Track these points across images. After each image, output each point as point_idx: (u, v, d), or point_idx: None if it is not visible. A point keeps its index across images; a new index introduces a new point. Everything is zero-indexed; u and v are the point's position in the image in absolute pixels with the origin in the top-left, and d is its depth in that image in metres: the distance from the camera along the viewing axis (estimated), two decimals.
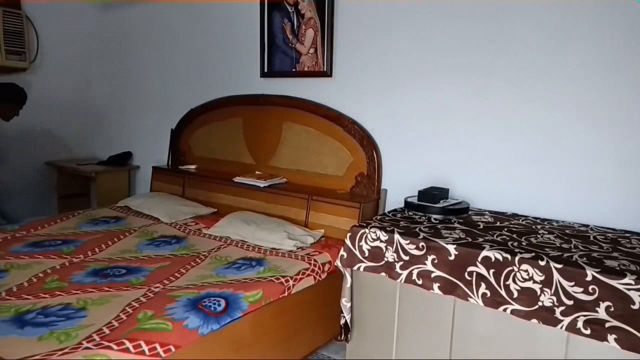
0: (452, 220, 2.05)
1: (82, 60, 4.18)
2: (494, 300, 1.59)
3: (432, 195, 2.19)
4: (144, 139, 4.01)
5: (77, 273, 2.03)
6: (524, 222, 2.05)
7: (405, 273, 1.79)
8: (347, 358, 2.05)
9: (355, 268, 1.93)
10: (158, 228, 2.75)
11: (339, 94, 2.80)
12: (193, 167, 3.54)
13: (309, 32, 2.85)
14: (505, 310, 1.56)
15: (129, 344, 1.47)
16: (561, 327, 1.45)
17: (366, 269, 1.89)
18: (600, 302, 1.40)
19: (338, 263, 1.98)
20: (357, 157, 2.71)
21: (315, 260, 2.26)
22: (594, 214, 2.05)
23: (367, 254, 1.89)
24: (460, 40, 2.33)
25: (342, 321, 1.98)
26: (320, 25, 2.79)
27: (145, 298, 1.79)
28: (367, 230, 1.89)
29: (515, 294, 1.54)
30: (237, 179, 3.05)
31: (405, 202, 2.27)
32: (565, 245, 1.70)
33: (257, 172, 3.16)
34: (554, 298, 1.47)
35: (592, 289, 1.41)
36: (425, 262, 1.74)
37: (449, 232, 1.84)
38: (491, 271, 1.60)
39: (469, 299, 1.64)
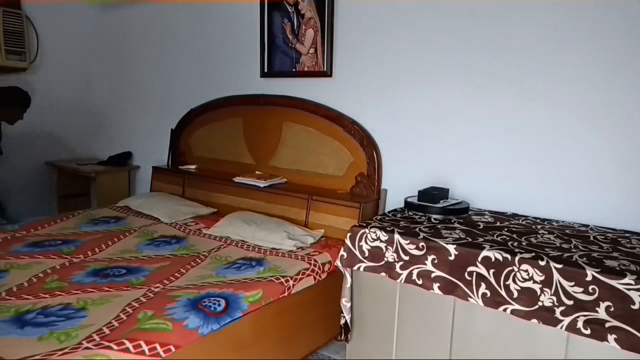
0: (452, 220, 2.05)
1: (82, 60, 4.18)
2: (494, 300, 1.59)
3: (432, 195, 2.19)
4: (144, 139, 4.01)
5: (77, 273, 2.03)
6: (524, 222, 2.05)
7: (405, 273, 1.79)
8: (347, 358, 2.05)
9: (355, 268, 1.93)
10: (158, 228, 2.75)
11: (339, 94, 2.80)
12: (193, 167, 3.54)
13: (309, 32, 2.85)
14: (505, 310, 1.56)
15: (129, 344, 1.47)
16: (561, 327, 1.45)
17: (366, 269, 1.89)
18: (600, 302, 1.40)
19: (338, 263, 1.98)
20: (357, 157, 2.71)
21: (315, 260, 2.26)
22: (594, 214, 2.05)
23: (367, 254, 1.89)
24: (460, 40, 2.33)
25: (342, 321, 1.98)
26: (320, 25, 2.79)
27: (145, 298, 1.79)
28: (367, 230, 1.89)
29: (515, 294, 1.54)
30: (237, 179, 3.05)
31: (405, 202, 2.27)
32: (565, 245, 1.70)
33: (257, 172, 3.16)
34: (554, 298, 1.47)
35: (592, 289, 1.41)
36: (425, 262, 1.74)
37: (449, 232, 1.84)
38: (491, 271, 1.60)
39: (469, 299, 1.64)
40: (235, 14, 3.22)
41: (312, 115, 2.89)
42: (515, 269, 1.55)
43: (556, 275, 1.47)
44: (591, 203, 2.06)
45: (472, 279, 1.63)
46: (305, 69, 2.90)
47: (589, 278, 1.42)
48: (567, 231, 1.91)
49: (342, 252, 1.96)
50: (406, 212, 2.20)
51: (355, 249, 1.92)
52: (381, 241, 1.85)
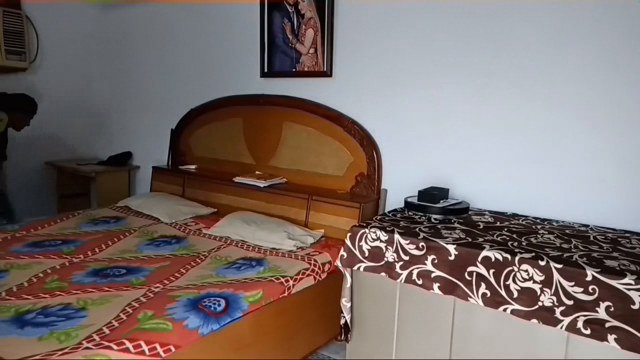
0: (452, 220, 2.05)
1: (82, 60, 4.18)
2: (494, 300, 1.59)
3: (432, 195, 2.19)
4: (144, 139, 4.01)
5: (77, 273, 2.03)
6: (524, 222, 2.05)
7: (405, 273, 1.79)
8: (347, 358, 2.05)
9: (355, 268, 1.93)
10: (158, 228, 2.75)
11: (339, 94, 2.80)
12: (193, 167, 3.54)
13: (309, 32, 2.86)
14: (505, 310, 1.56)
15: (129, 344, 1.47)
16: (561, 327, 1.45)
17: (366, 269, 1.89)
18: (600, 302, 1.40)
19: (338, 263, 1.98)
20: (357, 157, 2.71)
21: (315, 260, 2.26)
22: (594, 214, 2.05)
23: (367, 254, 1.89)
24: (460, 40, 2.33)
25: (342, 321, 1.98)
26: (320, 25, 2.79)
27: (145, 298, 1.79)
28: (367, 230, 1.89)
29: (515, 294, 1.54)
30: (237, 179, 3.05)
31: (405, 202, 2.27)
32: (565, 245, 1.70)
33: (257, 172, 3.16)
34: (554, 298, 1.47)
35: (592, 289, 1.41)
36: (425, 262, 1.74)
37: (449, 232, 1.84)
38: (491, 271, 1.60)
39: (469, 299, 1.64)
40: (235, 14, 3.22)
41: (312, 115, 2.89)
42: (515, 269, 1.55)
43: (556, 275, 1.47)
44: (591, 203, 2.06)
45: (472, 279, 1.63)
46: (305, 69, 2.90)
47: (589, 278, 1.42)
48: (567, 231, 1.91)
49: (342, 252, 1.96)
50: (406, 212, 2.20)
51: (355, 249, 1.92)
52: (381, 241, 1.85)
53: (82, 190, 4.17)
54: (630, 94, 1.93)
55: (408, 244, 1.78)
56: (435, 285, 1.71)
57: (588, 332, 1.41)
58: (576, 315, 1.43)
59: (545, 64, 2.11)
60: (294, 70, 2.96)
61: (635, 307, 1.35)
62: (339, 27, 2.75)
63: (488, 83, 2.27)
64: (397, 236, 1.81)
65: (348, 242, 1.94)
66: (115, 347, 1.45)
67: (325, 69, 2.81)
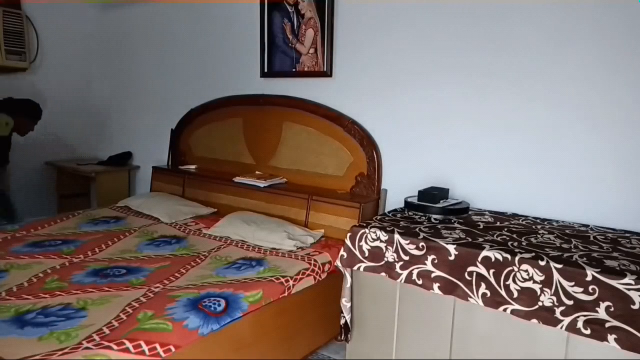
0: (452, 220, 2.05)
1: (82, 60, 4.18)
2: (494, 300, 1.59)
3: (432, 195, 2.19)
4: (144, 139, 4.01)
5: (77, 273, 2.03)
6: (524, 222, 2.05)
7: (405, 273, 1.79)
8: (347, 358, 2.05)
9: (355, 268, 1.93)
10: (158, 228, 2.75)
11: (339, 94, 2.80)
12: (193, 167, 3.54)
13: (309, 32, 2.86)
14: (505, 310, 1.56)
15: (129, 344, 1.47)
16: (561, 327, 1.45)
17: (366, 269, 1.89)
18: (600, 302, 1.40)
19: (338, 263, 1.98)
20: (357, 157, 2.71)
21: (315, 260, 2.26)
22: (594, 214, 2.05)
23: (367, 254, 1.89)
24: (460, 40, 2.33)
25: (342, 321, 1.98)
26: (320, 25, 2.79)
27: (145, 298, 1.79)
28: (367, 230, 1.89)
29: (515, 294, 1.54)
30: (237, 179, 3.05)
31: (405, 202, 2.27)
32: (565, 245, 1.70)
33: (257, 172, 3.16)
34: (554, 298, 1.47)
35: (592, 289, 1.41)
36: (425, 262, 1.74)
37: (449, 232, 1.84)
38: (491, 271, 1.60)
39: (469, 299, 1.64)
40: (235, 14, 3.22)
41: (312, 115, 2.89)
42: (515, 269, 1.55)
43: (556, 275, 1.47)
44: (591, 203, 2.06)
45: (472, 279, 1.63)
46: (305, 69, 2.90)
47: (589, 278, 1.42)
48: (567, 231, 1.91)
49: (342, 252, 1.96)
50: (406, 212, 2.20)
51: (355, 249, 1.92)
52: (381, 241, 1.85)
53: (82, 190, 4.17)
54: (630, 94, 1.93)
55: (408, 244, 1.78)
56: (435, 285, 1.71)
57: (588, 332, 1.41)
58: (576, 315, 1.43)
59: (545, 64, 2.11)
60: (294, 70, 2.96)
61: (635, 307, 1.35)
62: (339, 27, 2.75)
63: (488, 83, 2.27)
64: (397, 236, 1.81)
65: (348, 242, 1.94)
66: (115, 347, 1.45)
67: (325, 69, 2.81)
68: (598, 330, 1.40)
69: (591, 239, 1.81)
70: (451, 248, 1.68)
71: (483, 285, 1.61)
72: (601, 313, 1.39)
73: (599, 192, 2.04)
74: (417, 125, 2.52)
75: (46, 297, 1.78)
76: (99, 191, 3.75)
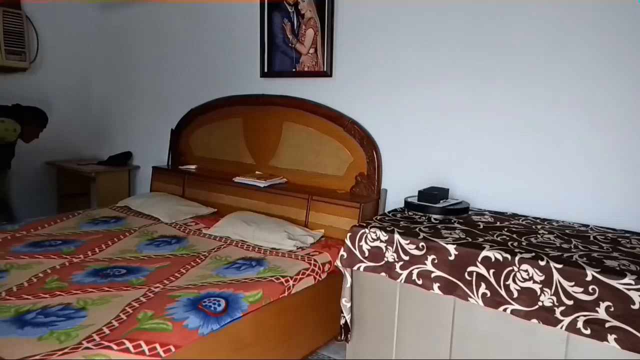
0: (452, 220, 2.05)
1: (82, 60, 4.18)
2: (494, 300, 1.59)
3: (432, 195, 2.19)
4: (144, 139, 4.01)
5: (77, 273, 2.03)
6: (524, 222, 2.05)
7: (405, 273, 1.79)
8: (347, 358, 2.05)
9: (355, 268, 1.93)
10: (158, 228, 2.75)
11: (339, 94, 2.80)
12: (193, 167, 3.54)
13: (309, 32, 2.86)
14: (505, 310, 1.56)
15: (129, 344, 1.47)
16: (561, 327, 1.45)
17: (366, 269, 1.89)
18: (600, 302, 1.40)
19: (338, 263, 1.98)
20: (357, 157, 2.71)
21: (315, 260, 2.26)
22: (594, 214, 2.05)
23: (367, 254, 1.89)
24: (460, 40, 2.33)
25: (342, 321, 1.98)
26: (320, 25, 2.79)
27: (145, 298, 1.79)
28: (367, 230, 1.89)
29: (515, 294, 1.54)
30: (237, 179, 3.05)
31: (405, 202, 2.27)
32: (565, 245, 1.70)
33: (257, 172, 3.16)
34: (554, 298, 1.47)
35: (592, 289, 1.41)
36: (425, 262, 1.74)
37: (449, 232, 1.84)
38: (491, 271, 1.60)
39: (469, 299, 1.64)
40: (235, 14, 3.22)
41: (312, 115, 2.89)
42: (515, 269, 1.55)
43: (556, 275, 1.47)
44: (591, 203, 2.06)
45: (472, 279, 1.63)
46: (305, 69, 2.90)
47: (589, 278, 1.42)
48: (567, 231, 1.91)
49: (342, 252, 1.96)
50: (406, 212, 2.20)
51: (355, 249, 1.92)
52: (381, 241, 1.85)
53: (82, 190, 4.16)
54: (631, 94, 1.93)
55: (408, 244, 1.78)
56: (435, 285, 1.71)
57: (588, 332, 1.41)
58: (576, 315, 1.43)
59: (545, 64, 2.11)
60: (294, 70, 2.96)
61: (635, 307, 1.35)
62: (339, 27, 2.75)
63: (488, 83, 2.27)
64: (397, 236, 1.81)
65: (348, 242, 1.94)
66: (115, 347, 1.45)
67: (325, 69, 2.81)
68: (598, 330, 1.40)
69: (591, 239, 1.81)
70: (451, 248, 1.68)
71: (483, 285, 1.61)
72: (601, 313, 1.39)
73: (599, 192, 2.04)
74: (417, 125, 2.52)
75: (46, 297, 1.78)
76: (99, 191, 3.75)
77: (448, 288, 1.69)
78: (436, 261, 1.71)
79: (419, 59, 2.47)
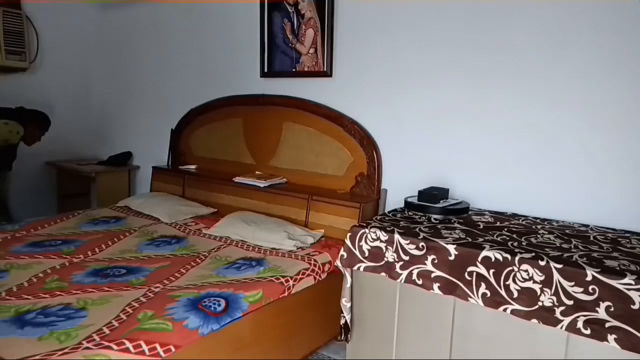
0: (452, 220, 2.05)
1: (82, 60, 4.18)
2: (494, 300, 1.59)
3: (432, 195, 2.19)
4: (144, 139, 4.01)
5: (77, 273, 2.03)
6: (524, 222, 2.05)
7: (405, 273, 1.79)
8: (347, 358, 2.05)
9: (355, 268, 1.93)
10: (158, 228, 2.75)
11: (339, 94, 2.80)
12: (193, 167, 3.54)
13: (309, 32, 2.86)
14: (505, 310, 1.56)
15: (129, 344, 1.47)
16: (561, 327, 1.45)
17: (366, 269, 1.89)
18: (600, 302, 1.40)
19: (338, 263, 1.98)
20: (357, 157, 2.71)
21: (315, 260, 2.26)
22: (594, 214, 2.05)
23: (367, 254, 1.89)
24: (460, 40, 2.33)
25: (342, 321, 1.98)
26: (320, 25, 2.79)
27: (145, 298, 1.79)
28: (367, 230, 1.89)
29: (515, 294, 1.54)
30: (237, 179, 3.05)
31: (405, 202, 2.27)
32: (565, 245, 1.70)
33: (257, 172, 3.16)
34: (554, 298, 1.47)
35: (592, 289, 1.41)
36: (425, 262, 1.74)
37: (449, 232, 1.84)
38: (491, 271, 1.60)
39: (469, 299, 1.64)
40: (235, 14, 3.22)
41: (312, 115, 2.89)
42: (515, 269, 1.55)
43: (556, 275, 1.47)
44: (591, 203, 2.06)
45: (472, 279, 1.63)
46: (305, 69, 2.90)
47: (589, 278, 1.42)
48: (567, 231, 1.91)
49: (342, 252, 1.96)
50: (406, 212, 2.20)
51: (355, 249, 1.92)
52: (381, 241, 1.85)
53: (82, 190, 4.16)
54: (631, 94, 1.93)
55: (408, 244, 1.78)
56: (435, 285, 1.71)
57: (588, 332, 1.41)
58: (576, 315, 1.43)
59: (545, 64, 2.11)
60: (294, 70, 2.96)
61: (635, 307, 1.35)
62: (339, 27, 2.75)
63: (488, 83, 2.27)
64: (397, 236, 1.81)
65: (348, 242, 1.94)
66: (115, 347, 1.45)
67: (325, 69, 2.81)
68: (598, 330, 1.40)
69: (591, 239, 1.81)
70: (451, 248, 1.68)
71: (483, 285, 1.61)
72: (601, 313, 1.39)
73: (599, 192, 2.04)
74: (417, 125, 2.52)
75: (46, 297, 1.78)
76: (99, 191, 3.75)
77: (448, 288, 1.69)
78: (436, 261, 1.71)
79: (419, 59, 2.47)
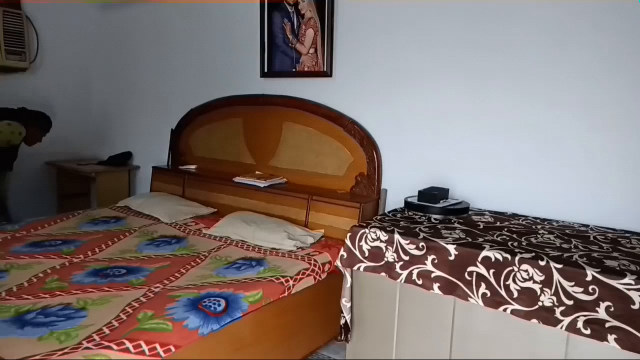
0: (452, 220, 2.05)
1: (82, 60, 4.18)
2: (494, 300, 1.59)
3: (432, 195, 2.19)
4: (144, 139, 4.01)
5: (77, 273, 2.03)
6: (524, 222, 2.05)
7: (405, 273, 1.79)
8: (347, 358, 2.05)
9: (355, 268, 1.93)
10: (158, 228, 2.75)
11: (339, 94, 2.80)
12: (193, 167, 3.54)
13: (309, 32, 2.86)
14: (505, 310, 1.56)
15: (129, 344, 1.47)
16: (561, 327, 1.45)
17: (366, 269, 1.89)
18: (600, 302, 1.40)
19: (338, 263, 1.98)
20: (357, 157, 2.71)
21: (315, 260, 2.26)
22: (594, 214, 2.05)
23: (367, 254, 1.89)
24: (460, 40, 2.33)
25: (342, 321, 1.98)
26: (320, 25, 2.79)
27: (145, 298, 1.79)
28: (367, 230, 1.89)
29: (515, 294, 1.54)
30: (237, 179, 3.05)
31: (405, 202, 2.27)
32: (565, 245, 1.70)
33: (257, 172, 3.16)
34: (554, 298, 1.47)
35: (592, 289, 1.41)
36: (425, 262, 1.74)
37: (449, 232, 1.84)
38: (491, 271, 1.60)
39: (469, 299, 1.64)
40: (235, 14, 3.22)
41: (312, 115, 2.89)
42: (515, 269, 1.55)
43: (556, 275, 1.47)
44: (591, 203, 2.06)
45: (472, 279, 1.63)
46: (305, 69, 2.90)
47: (589, 278, 1.42)
48: (567, 231, 1.91)
49: (342, 252, 1.96)
50: (406, 212, 2.20)
51: (355, 249, 1.92)
52: (381, 241, 1.85)
53: (82, 190, 4.16)
54: (631, 94, 1.93)
55: (408, 244, 1.78)
56: (435, 285, 1.71)
57: (588, 332, 1.41)
58: (576, 315, 1.43)
59: (545, 64, 2.11)
60: (294, 70, 2.96)
61: (635, 307, 1.35)
62: (339, 27, 2.75)
63: (488, 83, 2.27)
64: (397, 236, 1.81)
65: (348, 242, 1.94)
66: (115, 347, 1.45)
67: (325, 69, 2.81)
68: (598, 330, 1.40)
69: (591, 239, 1.81)
70: (451, 248, 1.68)
71: (483, 285, 1.61)
72: (601, 313, 1.39)
73: (599, 192, 2.04)
74: (417, 125, 2.52)
75: (46, 297, 1.78)
76: (99, 191, 3.75)
77: (448, 288, 1.69)
78: (436, 261, 1.71)
79: (419, 59, 2.47)
